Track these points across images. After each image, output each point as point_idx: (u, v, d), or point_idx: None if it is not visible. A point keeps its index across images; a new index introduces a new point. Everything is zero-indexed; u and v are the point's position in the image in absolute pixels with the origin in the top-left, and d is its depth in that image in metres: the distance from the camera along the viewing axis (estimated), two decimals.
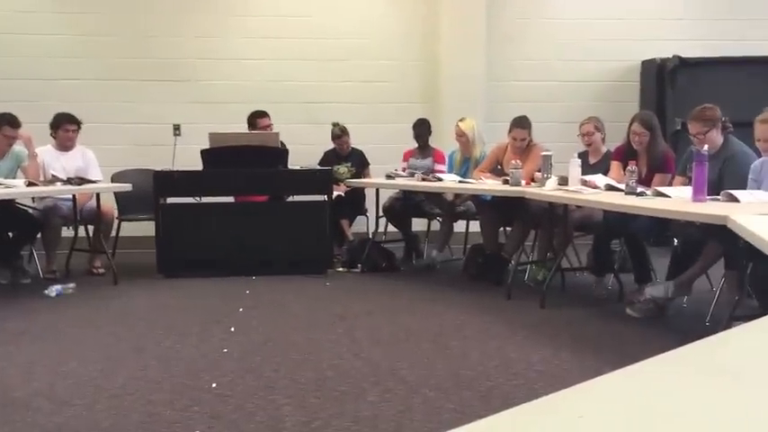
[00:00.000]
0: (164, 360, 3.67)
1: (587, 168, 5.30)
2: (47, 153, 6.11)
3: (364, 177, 6.92)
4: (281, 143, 6.37)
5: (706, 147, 4.08)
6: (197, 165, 6.11)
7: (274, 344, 3.96)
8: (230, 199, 6.41)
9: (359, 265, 6.19)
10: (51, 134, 6.18)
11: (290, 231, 5.99)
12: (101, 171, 6.32)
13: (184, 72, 7.62)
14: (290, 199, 6.52)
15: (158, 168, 6.18)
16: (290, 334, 4.18)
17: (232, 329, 4.26)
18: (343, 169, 6.93)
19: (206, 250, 5.93)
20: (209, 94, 7.65)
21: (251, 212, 6.16)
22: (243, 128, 6.83)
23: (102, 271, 6.11)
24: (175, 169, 6.20)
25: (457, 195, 6.16)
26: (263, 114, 6.87)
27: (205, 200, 6.34)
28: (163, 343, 4.00)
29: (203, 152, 6.06)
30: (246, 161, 5.98)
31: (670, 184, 4.80)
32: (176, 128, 7.51)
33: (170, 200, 6.09)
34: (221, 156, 5.98)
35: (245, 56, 7.71)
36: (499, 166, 6.03)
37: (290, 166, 6.26)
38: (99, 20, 7.52)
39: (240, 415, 2.88)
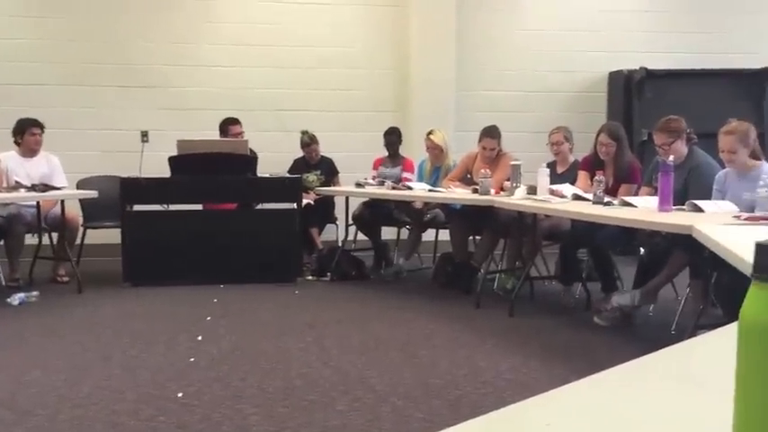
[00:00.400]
0: (129, 369, 3.62)
1: (555, 178, 5.35)
2: (10, 159, 6.01)
3: (334, 185, 6.90)
4: (251, 150, 6.34)
5: (671, 157, 4.14)
6: (165, 172, 6.05)
7: (242, 353, 3.93)
8: (198, 206, 6.35)
9: (328, 274, 6.17)
10: (16, 140, 6.08)
11: (259, 239, 5.95)
12: (66, 177, 6.23)
13: (153, 78, 7.55)
14: (259, 207, 6.48)
15: (125, 175, 6.10)
16: (258, 342, 4.15)
17: (199, 338, 4.22)
18: (312, 177, 6.91)
19: (173, 258, 5.86)
20: (177, 101, 7.59)
21: (219, 220, 6.11)
22: (212, 135, 6.78)
23: (66, 279, 6.02)
24: (143, 176, 6.13)
25: (426, 204, 6.17)
26: (234, 121, 6.83)
27: (173, 207, 6.28)
28: (128, 352, 3.94)
29: (171, 159, 6.01)
30: (215, 168, 5.94)
31: (636, 194, 4.86)
32: (144, 134, 7.43)
33: (137, 207, 6.02)
34: (189, 163, 5.93)
35: (215, 63, 7.67)
36: (469, 175, 6.06)
37: (259, 174, 6.23)
38: (63, 24, 7.42)
39: (207, 425, 2.85)
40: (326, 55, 7.78)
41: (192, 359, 3.79)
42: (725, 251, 2.42)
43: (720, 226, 3.18)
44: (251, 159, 6.19)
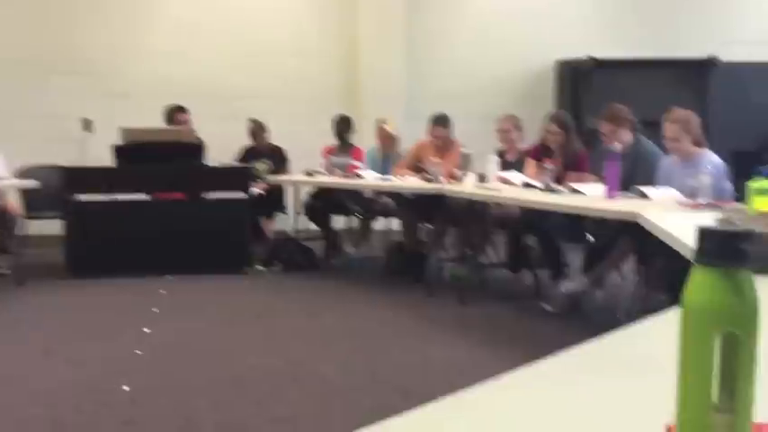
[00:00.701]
0: (73, 363, 3.54)
1: (505, 166, 5.39)
2: None
3: (283, 174, 6.85)
4: (198, 139, 6.25)
5: (618, 145, 4.21)
6: (109, 161, 5.92)
7: (190, 344, 3.88)
8: (145, 196, 6.23)
9: (278, 263, 6.12)
10: None
11: (208, 229, 5.88)
12: (6, 167, 6.05)
13: (94, 65, 7.37)
14: (208, 196, 6.39)
15: (68, 165, 5.96)
16: (206, 333, 4.10)
17: (146, 330, 4.15)
18: (261, 166, 6.84)
19: (119, 249, 5.76)
20: (121, 88, 7.43)
21: (166, 210, 6.01)
22: (158, 123, 6.66)
23: (6, 271, 5.86)
24: (86, 165, 5.99)
25: (377, 193, 6.17)
26: (181, 109, 6.71)
27: (118, 197, 6.15)
28: (72, 345, 3.86)
29: (116, 148, 5.89)
30: (161, 157, 5.84)
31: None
32: (87, 123, 7.27)
33: (80, 197, 5.88)
34: (135, 152, 5.82)
35: (158, 49, 7.52)
36: (419, 164, 6.07)
37: (207, 163, 6.14)
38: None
39: (154, 418, 2.81)
40: (275, 42, 7.70)
41: (139, 351, 3.73)
42: (669, 237, 2.47)
43: (665, 212, 3.25)
44: (198, 148, 6.11)
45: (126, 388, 3.16)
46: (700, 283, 0.58)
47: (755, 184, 2.85)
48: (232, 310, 4.69)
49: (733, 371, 0.60)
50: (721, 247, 0.57)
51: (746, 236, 0.57)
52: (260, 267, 6.13)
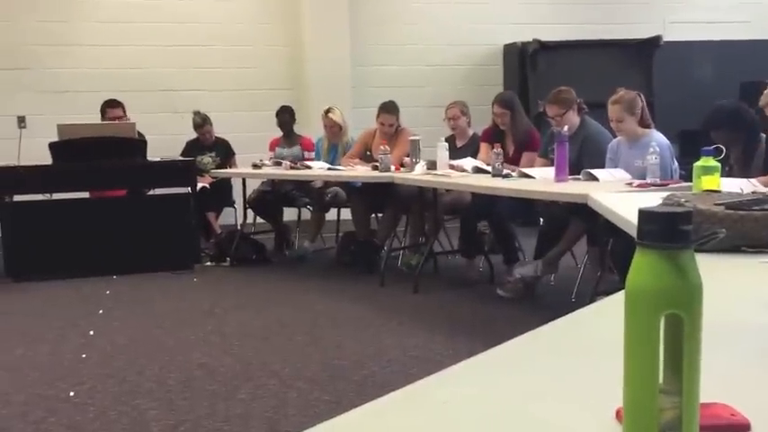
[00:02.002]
0: (15, 370, 3.46)
1: (455, 152, 5.42)
2: None
3: (230, 167, 6.78)
4: (139, 134, 6.14)
5: (566, 128, 4.26)
6: (46, 159, 5.79)
7: (138, 345, 3.82)
8: (85, 195, 6.11)
9: (228, 259, 6.07)
10: None
11: (153, 226, 5.79)
12: None
13: (23, 59, 7.18)
14: (151, 193, 6.30)
15: (1, 164, 5.80)
16: (155, 334, 4.05)
17: (91, 333, 4.08)
18: (206, 159, 6.77)
19: (60, 251, 5.63)
20: (56, 83, 7.25)
21: (108, 208, 5.90)
22: (97, 119, 6.52)
23: None
24: (21, 164, 5.84)
25: (326, 183, 6.15)
26: (114, 104, 6.57)
27: (56, 196, 6.02)
28: (13, 352, 3.77)
29: (52, 145, 5.75)
30: (101, 154, 5.72)
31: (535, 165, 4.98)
32: (21, 120, 7.09)
33: (16, 197, 5.74)
34: (72, 149, 5.69)
35: (91, 41, 7.37)
36: (368, 152, 6.06)
37: (149, 158, 6.04)
38: None
39: (101, 423, 2.76)
40: (214, 31, 7.61)
41: (84, 355, 3.67)
42: (618, 218, 2.51)
43: (613, 194, 3.30)
44: (139, 143, 6.00)
45: (72, 393, 3.10)
46: (642, 265, 0.58)
47: (701, 163, 2.93)
48: (181, 309, 4.63)
49: (678, 352, 0.61)
50: (662, 229, 0.58)
51: (687, 216, 0.58)
52: (208, 263, 6.07)
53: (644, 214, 0.59)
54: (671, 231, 0.58)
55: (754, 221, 1.76)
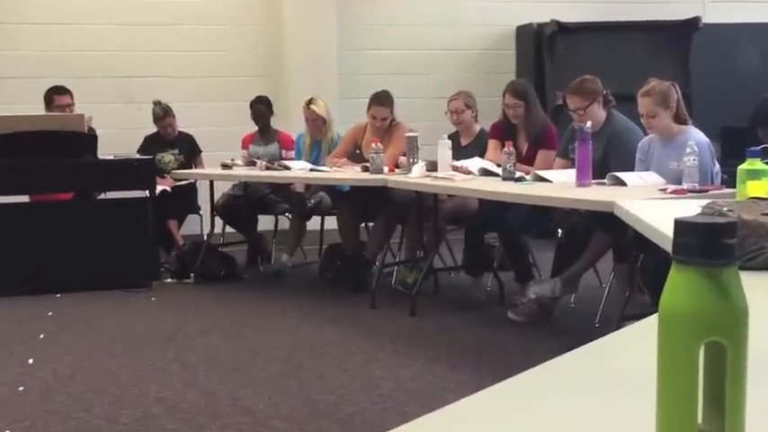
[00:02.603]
0: None
1: (459, 151, 5.43)
2: None
3: (195, 167, 6.78)
4: (89, 127, 6.14)
5: (589, 123, 4.28)
6: None
7: (86, 376, 3.82)
8: (24, 198, 6.10)
9: (191, 275, 6.07)
10: None
11: (104, 236, 5.78)
12: None
13: None
14: (102, 196, 6.29)
15: None
16: (105, 363, 4.04)
17: (30, 361, 4.07)
18: (168, 158, 6.77)
19: None
20: None
21: (51, 214, 5.90)
22: (38, 109, 6.51)
23: None
24: None
25: (308, 187, 6.16)
26: (61, 91, 6.56)
27: None
28: None
29: None
30: (43, 150, 5.72)
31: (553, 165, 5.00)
32: None
33: None
34: (9, 144, 5.68)
35: (38, 19, 7.36)
36: (357, 151, 6.07)
37: (100, 156, 6.04)
38: None
39: None
40: (179, 8, 7.61)
41: (22, 388, 3.66)
42: (649, 229, 2.52)
43: (644, 201, 3.32)
44: (89, 138, 6.00)
45: None
46: (678, 284, 0.59)
47: (747, 165, 2.94)
48: (136, 333, 4.63)
49: (720, 386, 0.61)
50: (702, 242, 0.58)
51: (731, 228, 0.59)
52: (169, 280, 6.07)
53: (680, 225, 0.60)
54: (712, 245, 0.59)
55: None
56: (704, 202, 2.19)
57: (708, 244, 0.60)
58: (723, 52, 8.00)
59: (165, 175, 6.60)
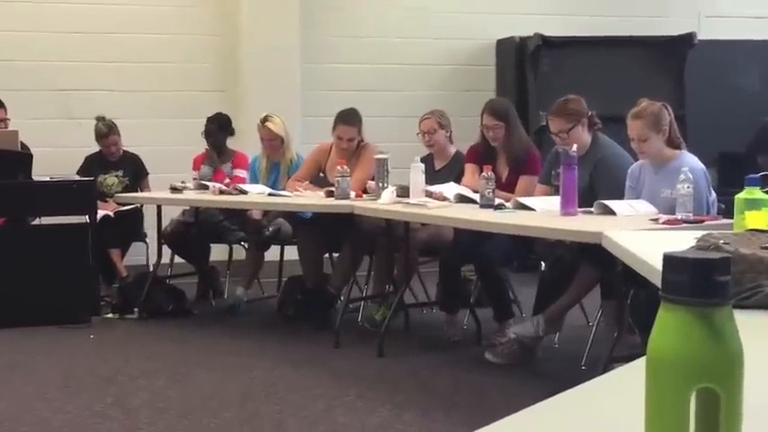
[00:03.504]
0: None
1: (433, 175, 5.45)
2: None
3: (141, 191, 6.75)
4: (23, 145, 6.10)
5: (575, 147, 4.32)
6: None
7: (15, 424, 3.78)
8: None
9: (135, 310, 6.02)
10: None
11: (39, 266, 5.74)
12: None
13: None
14: (37, 222, 6.24)
15: None
16: (38, 408, 4.00)
17: None
18: (111, 180, 6.73)
19: None
20: None
21: None
22: None
23: None
24: None
25: (266, 213, 6.14)
26: None
27: None
28: None
29: None
30: None
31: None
32: None
33: None
34: None
35: None
36: (321, 174, 6.08)
37: (35, 177, 6.00)
38: None
39: None
40: (126, 16, 7.59)
41: None
42: (640, 263, 2.54)
43: (635, 231, 3.35)
44: (23, 157, 5.98)
45: None
46: (667, 325, 0.60)
47: (745, 194, 2.98)
48: (72, 375, 4.58)
49: None
50: (693, 280, 0.59)
51: (725, 264, 0.59)
52: (110, 315, 6.02)
53: (670, 261, 0.61)
54: (704, 283, 0.60)
55: None
56: (699, 233, 2.22)
57: (699, 282, 0.60)
58: (720, 71, 8.11)
59: (108, 198, 6.55)
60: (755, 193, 2.97)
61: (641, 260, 2.53)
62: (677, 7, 8.59)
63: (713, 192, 4.46)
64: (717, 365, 0.61)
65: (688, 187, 3.94)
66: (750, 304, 1.59)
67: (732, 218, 3.07)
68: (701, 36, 7.94)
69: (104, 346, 5.27)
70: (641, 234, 3.30)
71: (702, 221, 3.77)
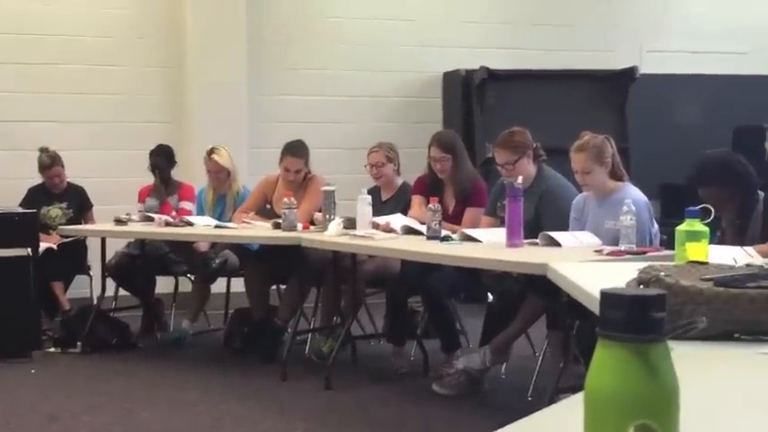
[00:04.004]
0: None
1: (379, 207, 5.46)
2: None
3: (85, 223, 6.68)
4: None
5: (520, 179, 4.36)
6: None
7: None
8: None
9: (78, 344, 5.94)
10: None
11: None
12: None
13: None
14: None
15: None
16: None
17: None
18: (55, 212, 6.65)
19: None
20: None
21: None
22: None
23: None
24: None
25: (213, 245, 6.10)
26: None
27: None
28: None
29: None
30: None
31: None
32: None
33: None
34: None
35: None
36: (268, 206, 6.06)
37: None
38: None
39: None
40: (71, 46, 7.53)
41: None
42: (584, 294, 2.57)
43: (579, 263, 3.38)
44: None
45: None
46: (604, 361, 0.60)
47: (685, 226, 3.02)
48: (13, 412, 4.51)
49: None
50: (628, 316, 0.60)
51: (659, 300, 0.60)
52: (52, 349, 5.93)
53: (606, 297, 0.61)
54: (639, 320, 0.60)
55: (749, 302, 1.82)
56: (642, 264, 2.24)
57: (635, 318, 0.61)
58: (662, 105, 8.25)
59: (51, 231, 6.48)
60: (696, 225, 3.01)
61: (585, 291, 2.56)
62: (620, 42, 8.73)
63: (655, 223, 4.53)
64: (653, 401, 0.61)
65: (631, 219, 3.99)
66: (690, 336, 1.61)
67: (674, 249, 3.11)
68: (643, 70, 8.08)
69: (46, 382, 5.19)
70: (585, 265, 3.33)
71: (645, 253, 3.82)
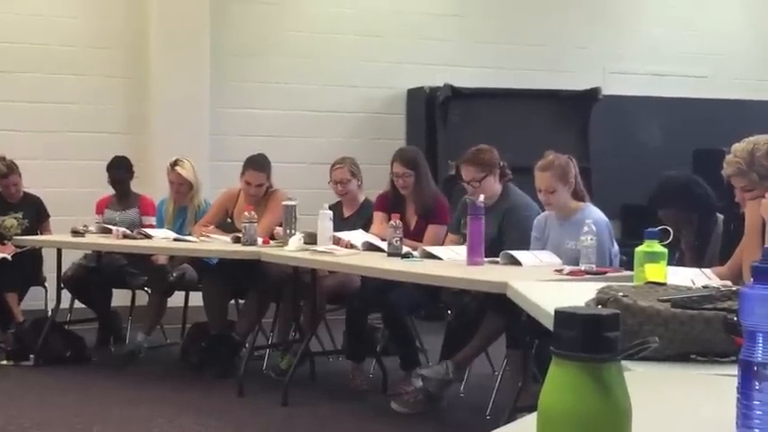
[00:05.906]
0: None
1: (341, 223, 5.47)
2: None
3: (41, 233, 6.62)
4: None
5: (482, 197, 4.37)
6: None
7: None
8: None
9: (31, 356, 5.87)
10: None
11: None
12: None
13: None
14: None
15: None
16: None
17: None
18: (10, 222, 6.58)
19: None
20: None
21: None
22: None
23: None
24: None
25: (171, 258, 6.07)
26: None
27: None
28: None
29: None
30: None
31: (443, 241, 5.07)
32: None
33: None
34: None
35: None
36: (228, 219, 6.04)
37: None
38: None
39: None
40: (30, 54, 7.47)
41: None
42: (543, 314, 2.58)
43: (539, 282, 3.40)
44: None
45: None
46: (557, 381, 0.60)
47: (644, 248, 3.06)
48: None
49: None
50: (582, 336, 0.60)
51: (613, 320, 0.61)
52: (4, 362, 5.86)
53: (560, 317, 0.62)
54: (593, 339, 0.60)
55: (704, 323, 1.85)
56: (601, 284, 2.26)
57: (588, 337, 0.61)
58: (624, 126, 8.35)
59: (6, 241, 6.41)
60: (654, 246, 3.05)
61: (544, 311, 2.57)
62: (583, 63, 8.82)
63: (616, 244, 4.57)
64: (605, 420, 0.62)
65: (591, 239, 4.02)
66: (645, 356, 1.63)
67: (633, 270, 3.14)
68: (606, 91, 8.17)
69: None
70: (545, 285, 3.35)
71: (605, 273, 3.85)
